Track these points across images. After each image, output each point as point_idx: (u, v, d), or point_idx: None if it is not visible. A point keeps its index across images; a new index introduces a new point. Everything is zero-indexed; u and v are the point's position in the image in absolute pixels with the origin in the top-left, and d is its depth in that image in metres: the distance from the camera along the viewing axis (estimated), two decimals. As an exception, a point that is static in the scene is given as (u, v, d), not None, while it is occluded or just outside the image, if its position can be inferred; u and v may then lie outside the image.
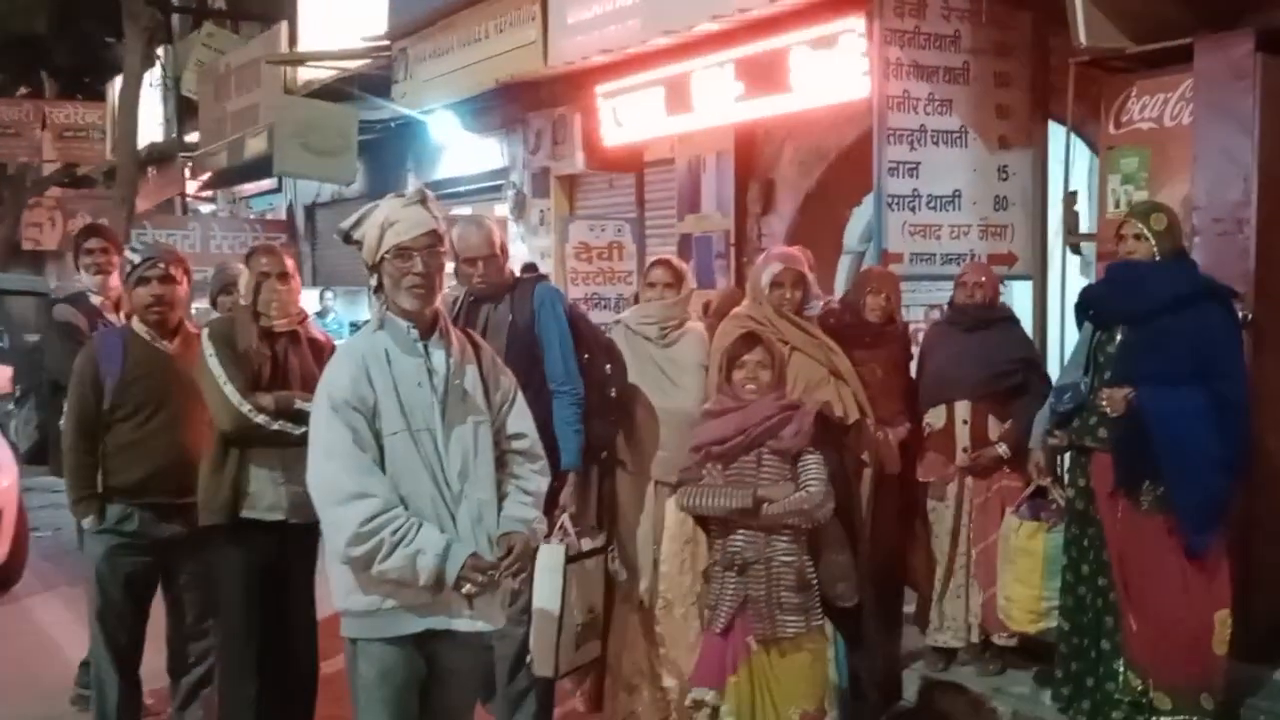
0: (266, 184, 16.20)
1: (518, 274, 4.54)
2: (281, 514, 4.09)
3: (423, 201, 3.17)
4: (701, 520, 3.73)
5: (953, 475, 5.04)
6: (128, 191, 14.78)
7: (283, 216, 16.54)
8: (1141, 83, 5.48)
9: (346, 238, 3.22)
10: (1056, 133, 6.15)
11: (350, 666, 3.19)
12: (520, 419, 3.35)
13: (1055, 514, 4.64)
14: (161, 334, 4.33)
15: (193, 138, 17.01)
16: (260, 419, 4.03)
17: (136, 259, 4.35)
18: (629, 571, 4.59)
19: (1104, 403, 4.28)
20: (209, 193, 18.68)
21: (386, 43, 10.96)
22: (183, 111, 17.96)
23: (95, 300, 5.03)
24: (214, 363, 4.06)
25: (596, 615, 4.40)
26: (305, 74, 12.90)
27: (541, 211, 10.28)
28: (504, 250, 4.44)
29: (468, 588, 3.04)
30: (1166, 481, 4.19)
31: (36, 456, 5.33)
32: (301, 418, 3.81)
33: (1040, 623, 4.71)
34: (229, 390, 4.03)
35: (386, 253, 3.10)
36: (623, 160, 8.99)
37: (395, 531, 2.97)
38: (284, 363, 4.16)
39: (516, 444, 3.33)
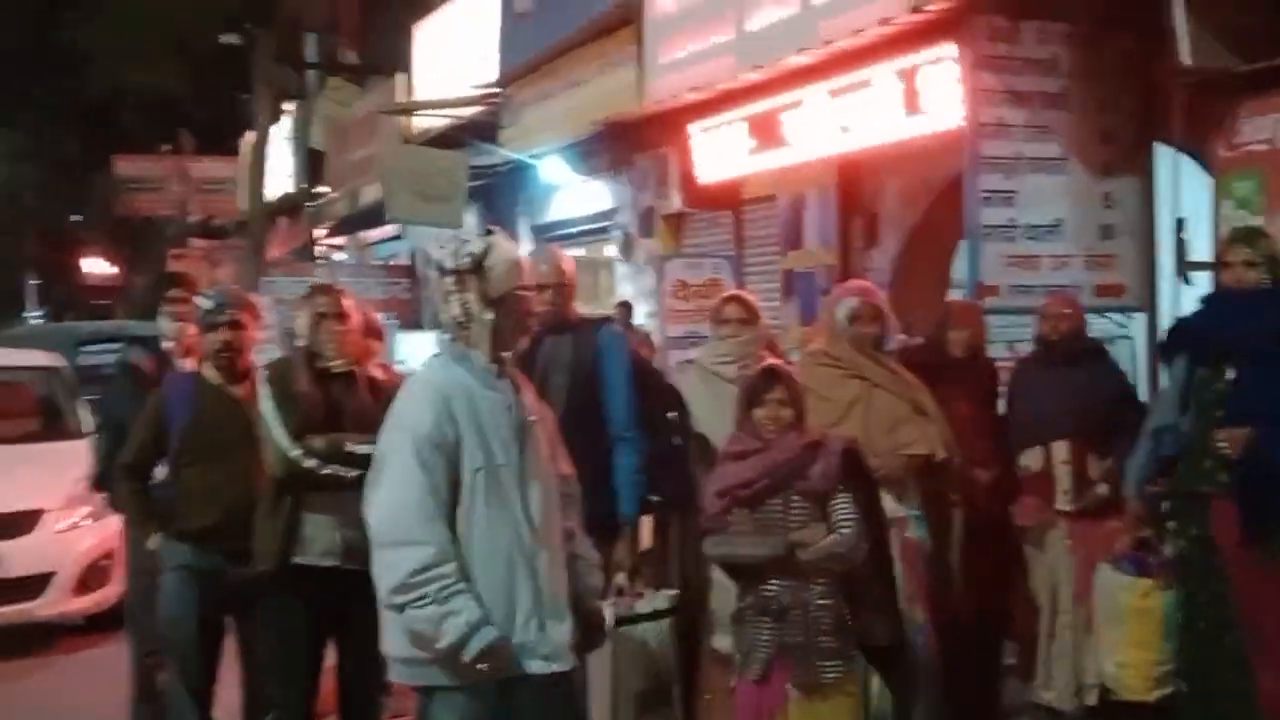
0: (391, 230, 16.59)
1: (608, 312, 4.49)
2: (335, 559, 4.01)
3: None
4: (729, 565, 3.60)
5: (1053, 520, 4.78)
6: (257, 241, 15.38)
7: (406, 262, 16.89)
8: (1252, 103, 5.22)
9: (477, 264, 3.08)
10: (1168, 157, 5.86)
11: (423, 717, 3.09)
12: (565, 460, 3.32)
13: (1163, 568, 4.35)
14: (230, 379, 4.36)
15: (323, 188, 17.58)
16: (310, 463, 3.98)
17: (209, 304, 4.41)
18: (718, 627, 4.32)
19: (1223, 444, 4.01)
20: (339, 240, 19.26)
21: (493, 90, 11.15)
22: (312, 163, 18.58)
23: (167, 345, 5.09)
24: (268, 405, 4.04)
25: (664, 682, 4.17)
26: (421, 123, 13.21)
27: (648, 251, 10.26)
28: (572, 282, 4.39)
29: (483, 666, 2.95)
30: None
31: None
32: (354, 460, 3.79)
33: (1160, 689, 4.40)
34: (279, 433, 3.99)
35: (519, 288, 3.11)
36: (720, 197, 8.87)
37: (442, 588, 2.92)
38: (339, 404, 4.10)
39: (564, 486, 3.27)
